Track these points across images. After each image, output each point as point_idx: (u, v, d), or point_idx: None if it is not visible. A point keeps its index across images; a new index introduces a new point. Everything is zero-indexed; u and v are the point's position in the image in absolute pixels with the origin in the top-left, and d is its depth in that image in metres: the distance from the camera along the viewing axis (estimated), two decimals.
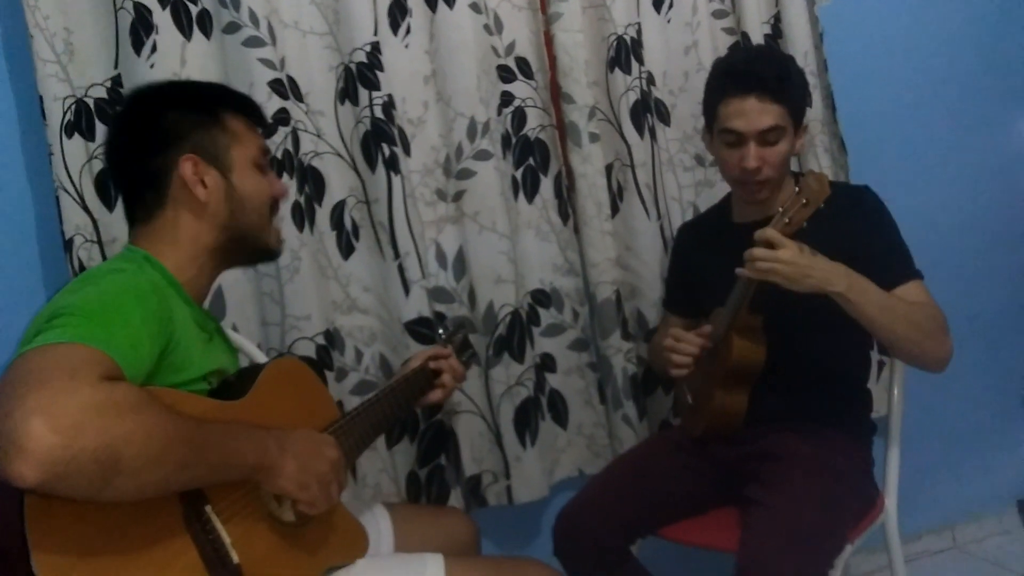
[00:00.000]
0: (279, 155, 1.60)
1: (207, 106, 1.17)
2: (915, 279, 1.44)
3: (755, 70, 1.42)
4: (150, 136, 1.15)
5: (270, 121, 1.55)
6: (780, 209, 1.31)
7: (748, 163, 1.43)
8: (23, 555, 0.78)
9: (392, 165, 1.65)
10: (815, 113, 1.88)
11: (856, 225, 1.44)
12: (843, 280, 1.32)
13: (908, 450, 1.63)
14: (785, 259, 1.29)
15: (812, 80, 1.87)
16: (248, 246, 1.20)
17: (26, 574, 0.78)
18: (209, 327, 1.18)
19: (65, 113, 1.52)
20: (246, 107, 1.22)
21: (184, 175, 1.13)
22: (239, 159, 1.17)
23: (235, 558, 0.97)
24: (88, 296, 0.96)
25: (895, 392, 1.61)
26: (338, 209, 1.69)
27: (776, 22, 1.90)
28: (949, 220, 2.11)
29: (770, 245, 1.30)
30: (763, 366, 1.45)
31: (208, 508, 0.97)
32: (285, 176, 1.60)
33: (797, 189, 1.28)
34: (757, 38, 1.87)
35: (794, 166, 1.91)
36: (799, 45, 1.87)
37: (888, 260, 1.44)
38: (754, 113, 1.41)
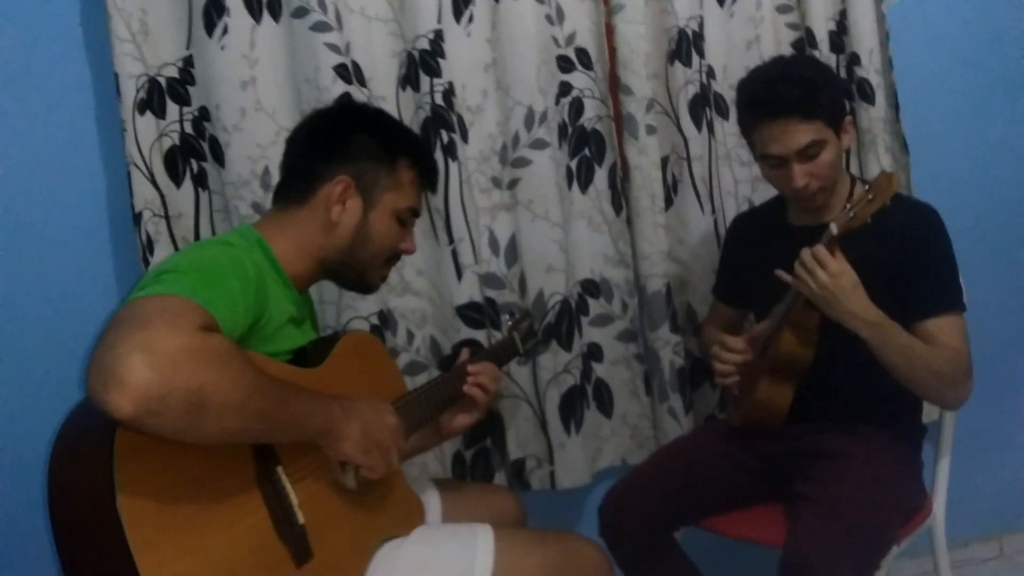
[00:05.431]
0: None
1: (391, 145, 1.24)
2: (953, 313, 1.41)
3: (779, 93, 1.39)
4: (330, 143, 1.22)
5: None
6: (847, 205, 1.30)
7: (795, 183, 1.42)
8: (110, 497, 0.83)
9: (450, 152, 1.67)
10: (877, 112, 1.86)
11: (909, 243, 1.42)
12: (866, 329, 1.33)
13: (959, 456, 1.62)
14: (820, 281, 1.30)
15: (876, 79, 1.85)
16: (351, 276, 1.27)
17: (111, 515, 0.82)
18: (303, 312, 1.23)
19: (138, 91, 1.57)
20: (426, 166, 1.29)
21: (331, 192, 1.19)
22: (386, 204, 1.23)
23: (301, 518, 1.03)
24: (195, 258, 1.04)
25: None
26: None
27: (841, 19, 1.87)
28: (1014, 223, 2.06)
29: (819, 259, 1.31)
30: (810, 363, 1.44)
31: (279, 469, 1.02)
32: None
33: (867, 187, 1.28)
34: (822, 35, 1.84)
35: (855, 169, 1.89)
36: (864, 43, 1.84)
37: (930, 288, 1.41)
38: (787, 136, 1.39)
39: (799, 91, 1.38)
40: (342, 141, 1.22)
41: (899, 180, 1.27)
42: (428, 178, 1.31)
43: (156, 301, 0.89)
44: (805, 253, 1.33)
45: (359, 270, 1.25)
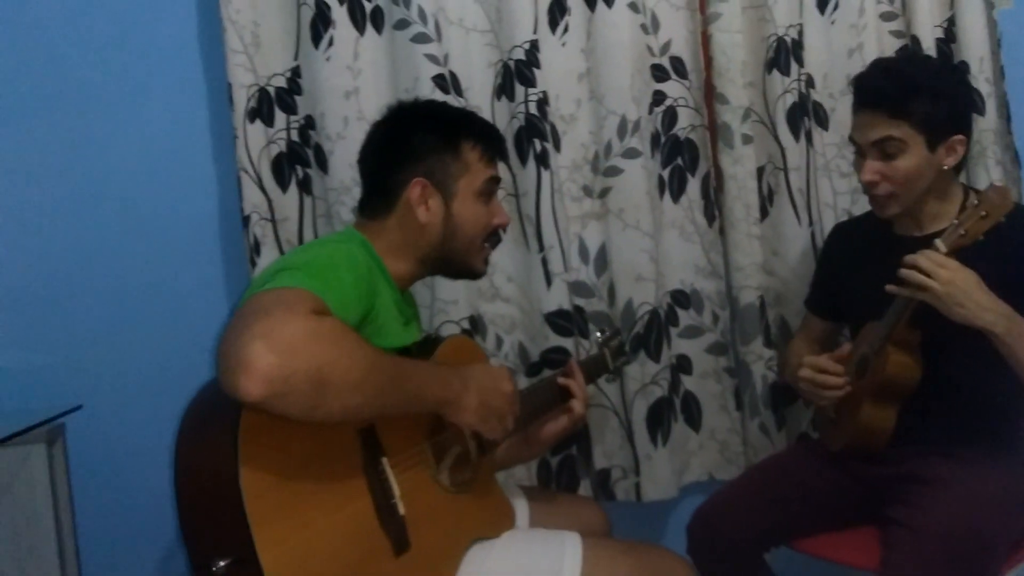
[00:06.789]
0: None
1: (449, 133, 1.27)
2: None
3: (876, 84, 1.40)
4: (393, 153, 1.27)
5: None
6: (955, 221, 1.25)
7: (863, 176, 1.42)
8: (233, 472, 0.88)
9: (543, 160, 1.69)
10: (987, 123, 1.78)
11: None
12: (1002, 321, 1.26)
13: None
14: (944, 279, 1.25)
15: (987, 88, 1.77)
16: (454, 266, 1.31)
17: (233, 490, 0.88)
18: (407, 313, 1.28)
19: (249, 100, 1.66)
20: (486, 137, 1.31)
21: (411, 197, 1.23)
22: (464, 188, 1.26)
23: (402, 509, 1.06)
24: (310, 256, 1.09)
25: None
26: None
27: (950, 26, 1.80)
28: None
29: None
30: (917, 384, 1.39)
31: (384, 460, 1.07)
32: None
33: (976, 201, 1.23)
34: (928, 43, 1.78)
35: (962, 178, 1.82)
36: (974, 50, 1.77)
37: None
38: (868, 126, 1.40)
39: (893, 88, 1.38)
40: (404, 145, 1.25)
41: (1011, 192, 1.20)
42: (494, 148, 1.32)
43: (272, 294, 0.95)
44: (920, 258, 1.27)
45: (460, 258, 1.29)
